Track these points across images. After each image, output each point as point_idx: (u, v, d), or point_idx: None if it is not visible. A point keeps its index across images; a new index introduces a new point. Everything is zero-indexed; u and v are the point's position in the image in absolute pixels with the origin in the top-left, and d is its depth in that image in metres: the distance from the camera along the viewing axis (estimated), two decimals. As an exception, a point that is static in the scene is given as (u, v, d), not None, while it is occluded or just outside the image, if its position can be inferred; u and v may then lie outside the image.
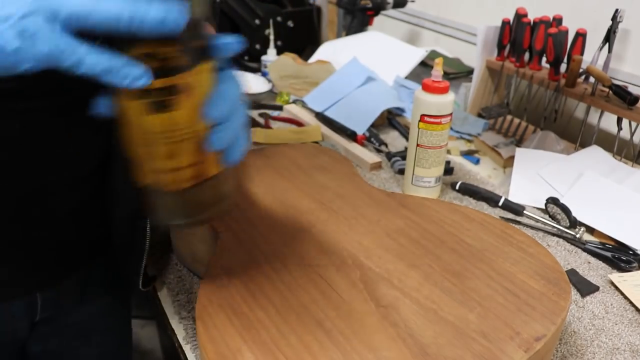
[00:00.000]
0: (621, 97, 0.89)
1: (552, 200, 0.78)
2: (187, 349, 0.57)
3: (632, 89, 0.90)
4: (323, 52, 1.36)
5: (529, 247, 0.55)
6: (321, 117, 1.09)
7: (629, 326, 0.60)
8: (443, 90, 0.74)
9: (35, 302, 0.59)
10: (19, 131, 0.48)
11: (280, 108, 1.17)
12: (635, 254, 0.70)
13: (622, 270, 0.69)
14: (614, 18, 0.94)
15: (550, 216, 0.79)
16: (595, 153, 0.93)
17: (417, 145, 0.77)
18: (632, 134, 0.93)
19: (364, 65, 1.16)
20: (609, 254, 0.70)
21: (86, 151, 0.55)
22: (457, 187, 0.85)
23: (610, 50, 0.97)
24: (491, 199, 0.82)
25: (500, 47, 1.09)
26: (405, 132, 1.06)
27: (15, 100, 0.47)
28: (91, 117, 0.39)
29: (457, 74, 1.24)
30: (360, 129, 1.02)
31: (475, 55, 1.11)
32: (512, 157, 0.94)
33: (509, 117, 1.10)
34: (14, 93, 0.46)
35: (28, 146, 0.50)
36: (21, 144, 0.49)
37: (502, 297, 0.48)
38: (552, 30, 0.95)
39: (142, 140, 0.37)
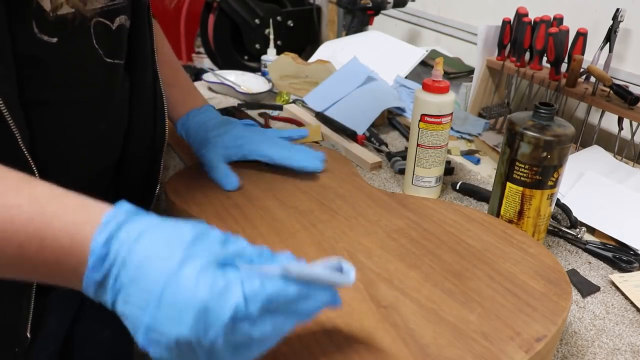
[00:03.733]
0: (622, 97, 0.89)
1: (553, 200, 0.78)
2: (186, 349, 0.57)
3: (633, 89, 0.90)
4: (323, 52, 1.36)
5: (529, 248, 0.55)
6: (321, 117, 1.08)
7: (630, 327, 0.59)
8: (443, 90, 0.74)
9: None
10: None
11: (280, 108, 1.17)
12: (636, 254, 0.70)
13: (623, 270, 0.69)
14: (614, 17, 0.94)
15: (550, 216, 0.79)
16: (596, 153, 0.93)
17: (418, 145, 0.77)
18: (633, 134, 0.92)
19: (364, 64, 1.16)
20: (609, 254, 0.70)
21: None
22: (457, 187, 0.85)
23: (611, 50, 0.96)
24: (492, 199, 0.82)
25: (501, 46, 1.08)
26: (405, 132, 1.06)
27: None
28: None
29: (458, 73, 1.24)
30: (360, 129, 1.02)
31: (475, 55, 1.11)
32: (512, 157, 0.93)
33: (509, 117, 1.10)
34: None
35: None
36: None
37: (502, 297, 0.48)
38: (553, 29, 0.95)
39: (534, 213, 0.64)
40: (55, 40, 0.48)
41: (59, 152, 0.53)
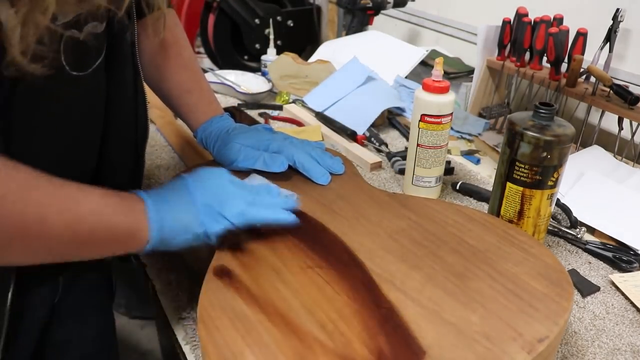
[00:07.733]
0: (622, 96, 0.89)
1: (553, 201, 0.78)
2: (186, 349, 0.57)
3: (633, 89, 0.90)
4: (323, 52, 1.36)
5: (531, 248, 0.55)
6: (321, 116, 1.08)
7: (630, 326, 0.60)
8: (443, 90, 0.74)
9: (57, 285, 0.64)
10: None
11: (280, 108, 1.17)
12: (636, 254, 0.70)
13: (622, 270, 0.69)
14: (614, 17, 0.94)
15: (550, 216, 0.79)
16: (596, 153, 0.93)
17: (418, 145, 0.77)
18: (633, 134, 0.93)
19: (364, 64, 1.16)
20: (609, 254, 0.70)
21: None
22: (457, 187, 0.85)
23: (611, 50, 0.97)
24: (492, 199, 0.82)
25: (501, 46, 1.09)
26: (405, 132, 1.06)
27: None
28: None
29: (458, 73, 1.24)
30: (360, 129, 1.02)
31: (475, 55, 1.11)
32: (512, 157, 0.93)
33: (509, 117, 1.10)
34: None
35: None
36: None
37: (504, 298, 0.48)
38: (553, 29, 0.95)
39: (534, 213, 0.65)
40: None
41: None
